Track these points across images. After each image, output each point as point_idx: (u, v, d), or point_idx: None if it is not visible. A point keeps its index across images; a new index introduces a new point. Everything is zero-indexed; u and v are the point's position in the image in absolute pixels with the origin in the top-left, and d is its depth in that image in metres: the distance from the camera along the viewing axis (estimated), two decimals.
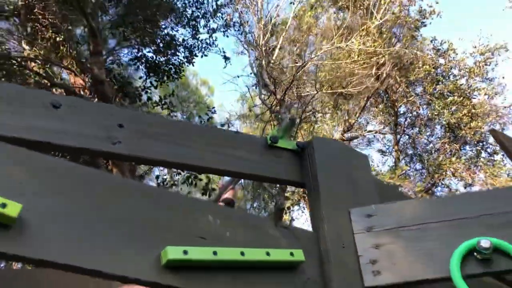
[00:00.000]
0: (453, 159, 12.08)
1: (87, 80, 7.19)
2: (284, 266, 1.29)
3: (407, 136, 16.05)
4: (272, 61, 11.29)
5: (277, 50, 11.73)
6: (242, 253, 1.20)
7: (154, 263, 1.10)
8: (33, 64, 6.93)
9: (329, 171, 1.59)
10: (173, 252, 1.09)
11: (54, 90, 7.22)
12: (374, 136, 15.43)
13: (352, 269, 1.37)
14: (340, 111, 16.22)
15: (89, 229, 1.06)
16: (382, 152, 14.91)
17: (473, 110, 12.27)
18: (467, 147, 14.51)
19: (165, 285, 1.10)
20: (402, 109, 16.12)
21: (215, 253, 1.16)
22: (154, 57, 8.05)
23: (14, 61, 6.44)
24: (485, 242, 1.29)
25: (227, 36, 10.53)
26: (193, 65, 9.16)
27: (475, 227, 1.37)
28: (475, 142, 12.83)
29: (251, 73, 12.32)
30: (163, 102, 8.38)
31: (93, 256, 1.04)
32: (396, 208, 1.50)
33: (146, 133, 1.37)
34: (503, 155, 15.54)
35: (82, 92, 7.14)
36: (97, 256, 1.04)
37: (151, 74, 7.95)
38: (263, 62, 10.96)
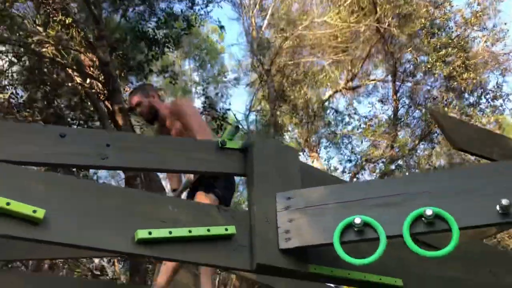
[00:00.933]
0: (447, 109, 12.46)
1: (95, 59, 7.71)
2: (221, 238, 1.87)
3: (409, 84, 16.30)
4: (261, 32, 11.63)
5: (266, 21, 12.01)
6: (190, 231, 1.79)
7: (130, 240, 1.69)
8: (47, 45, 7.44)
9: (263, 165, 2.15)
10: (142, 233, 1.68)
11: (67, 69, 7.78)
12: (374, 86, 15.75)
13: (272, 237, 1.95)
14: (343, 62, 16.46)
15: (88, 221, 1.66)
16: (381, 101, 15.30)
17: (467, 61, 12.50)
18: (466, 95, 14.78)
19: (138, 254, 1.71)
20: (406, 56, 16.26)
21: (170, 232, 1.74)
22: (154, 32, 8.49)
23: (30, 44, 6.95)
24: (357, 219, 1.85)
25: (221, 8, 10.97)
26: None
27: (356, 207, 1.93)
28: (470, 91, 13.12)
29: (247, 36, 12.69)
30: (165, 71, 8.92)
31: (91, 238, 1.64)
32: (307, 192, 2.06)
33: (126, 148, 1.94)
34: (503, 99, 15.79)
35: (92, 69, 7.68)
36: (93, 237, 1.64)
37: (151, 48, 8.42)
38: (253, 33, 11.30)
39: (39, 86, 7.50)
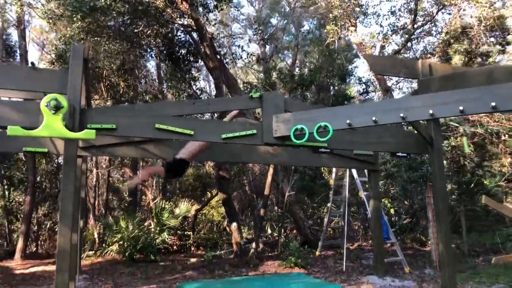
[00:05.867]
0: None
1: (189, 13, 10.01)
2: (252, 134, 4.85)
3: None
4: None
5: None
6: (240, 133, 4.79)
7: (220, 137, 4.74)
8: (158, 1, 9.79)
9: (267, 101, 5.00)
10: (224, 135, 4.73)
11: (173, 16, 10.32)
12: None
13: (270, 132, 4.89)
14: None
15: (209, 131, 4.72)
16: None
17: None
18: None
19: (225, 143, 4.80)
20: None
21: (234, 134, 4.76)
22: None
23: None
24: (299, 126, 4.72)
25: None
26: None
27: (300, 121, 4.76)
28: None
29: None
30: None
31: (205, 137, 4.74)
32: (284, 115, 4.90)
33: (208, 103, 4.90)
34: None
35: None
36: (205, 136, 4.74)
37: None
38: None
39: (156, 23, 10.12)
